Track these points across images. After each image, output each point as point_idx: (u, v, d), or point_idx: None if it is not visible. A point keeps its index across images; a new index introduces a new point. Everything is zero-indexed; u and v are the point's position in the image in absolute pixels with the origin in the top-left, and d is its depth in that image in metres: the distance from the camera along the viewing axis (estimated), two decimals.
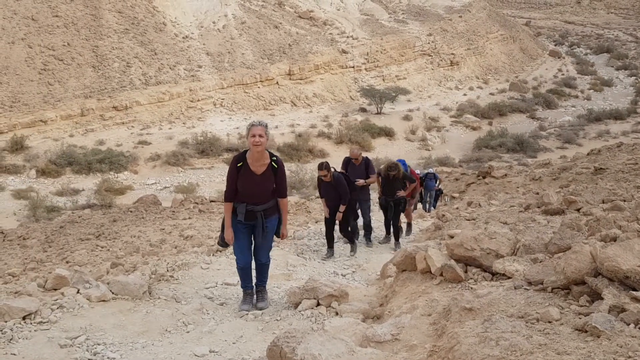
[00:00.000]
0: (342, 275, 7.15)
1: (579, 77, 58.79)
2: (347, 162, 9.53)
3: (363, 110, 41.94)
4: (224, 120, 37.07)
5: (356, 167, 9.38)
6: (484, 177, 18.48)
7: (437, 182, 17.47)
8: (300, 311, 4.90)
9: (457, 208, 11.87)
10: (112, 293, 5.21)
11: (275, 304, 5.39)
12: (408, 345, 3.10)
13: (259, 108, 39.47)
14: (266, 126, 5.05)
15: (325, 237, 8.64)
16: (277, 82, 41.33)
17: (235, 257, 5.39)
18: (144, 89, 36.06)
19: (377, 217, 11.10)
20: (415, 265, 4.57)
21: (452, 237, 5.09)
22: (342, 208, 8.34)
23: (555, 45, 76.64)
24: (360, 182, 9.00)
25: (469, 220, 8.51)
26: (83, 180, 26.99)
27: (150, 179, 28.40)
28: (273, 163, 5.13)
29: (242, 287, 5.42)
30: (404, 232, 10.41)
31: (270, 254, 5.57)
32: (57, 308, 4.63)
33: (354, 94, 44.38)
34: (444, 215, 10.65)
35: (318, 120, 38.58)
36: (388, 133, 37.36)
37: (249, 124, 5.09)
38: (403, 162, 10.20)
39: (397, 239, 9.52)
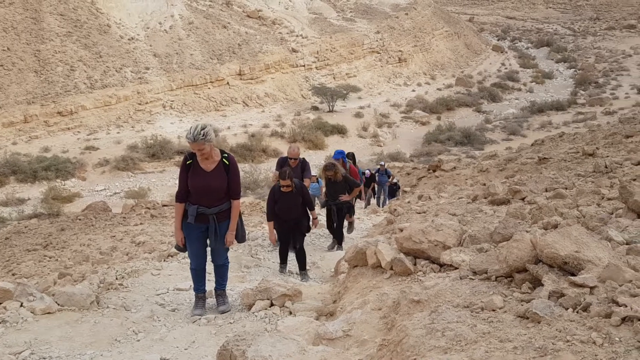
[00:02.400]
0: (296, 274, 7.13)
1: (521, 70, 60.75)
2: (282, 162, 8.59)
3: (315, 108, 42.06)
4: (174, 122, 36.43)
5: (292, 169, 8.21)
6: (434, 171, 18.85)
7: (390, 177, 17.70)
8: (253, 313, 4.85)
9: (408, 202, 12.04)
10: (58, 304, 5.02)
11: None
12: (359, 340, 3.12)
13: (210, 109, 39.00)
14: (203, 135, 4.71)
15: (279, 255, 7.45)
16: (228, 83, 40.93)
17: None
18: (89, 93, 35.04)
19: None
20: (367, 260, 4.61)
21: (402, 230, 5.16)
22: (314, 214, 7.41)
23: (498, 40, 78.91)
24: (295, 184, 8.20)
25: (419, 213, 8.65)
26: (28, 189, 26.02)
27: (99, 185, 27.65)
28: (224, 160, 4.93)
29: (194, 290, 5.25)
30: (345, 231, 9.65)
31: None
32: (0, 323, 4.44)
33: (305, 92, 44.44)
34: (395, 210, 10.80)
35: (271, 119, 38.45)
36: (340, 130, 37.63)
37: (185, 137, 4.91)
38: (341, 153, 9.73)
39: (339, 242, 8.92)
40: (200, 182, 4.87)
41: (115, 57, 38.09)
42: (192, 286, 5.33)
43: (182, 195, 4.99)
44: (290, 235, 7.20)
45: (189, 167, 4.92)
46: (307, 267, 7.29)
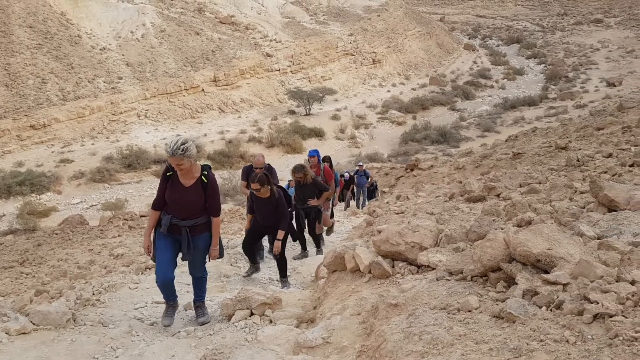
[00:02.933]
0: (277, 280, 7.09)
1: (493, 67, 61.59)
2: (247, 171, 8.17)
3: (292, 112, 42.04)
4: (150, 131, 36.07)
5: None
6: (411, 170, 18.98)
7: (369, 178, 17.75)
8: (233, 323, 4.81)
9: (387, 202, 12.09)
10: (34, 324, 4.92)
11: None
12: (339, 347, 3.11)
13: (185, 117, 38.71)
14: (182, 150, 4.57)
15: (244, 253, 7.31)
16: (203, 90, 40.67)
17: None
18: (62, 105, 34.50)
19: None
20: (345, 264, 4.60)
21: (380, 232, 5.16)
22: (280, 235, 6.74)
23: (469, 38, 79.88)
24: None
25: (398, 213, 8.68)
26: (3, 204, 25.50)
27: (76, 198, 27.20)
28: (203, 177, 4.82)
29: (164, 299, 5.13)
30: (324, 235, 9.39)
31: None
32: None
33: (281, 96, 44.39)
34: (374, 211, 10.83)
35: (247, 125, 38.31)
36: (318, 133, 37.66)
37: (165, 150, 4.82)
38: (316, 151, 9.31)
39: (318, 246, 8.67)
40: (176, 197, 4.80)
41: (88, 67, 37.60)
42: None
43: (159, 205, 4.93)
44: (259, 237, 7.16)
45: (169, 178, 4.85)
46: (288, 274, 7.26)
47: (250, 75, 43.99)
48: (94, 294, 6.14)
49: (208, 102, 40.43)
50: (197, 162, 4.90)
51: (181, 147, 4.57)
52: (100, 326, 5.06)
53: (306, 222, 8.59)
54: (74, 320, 5.10)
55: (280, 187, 7.14)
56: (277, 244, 6.70)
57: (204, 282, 5.28)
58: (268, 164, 8.16)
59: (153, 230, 5.01)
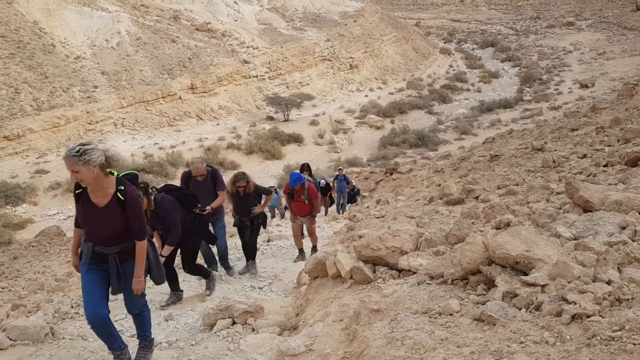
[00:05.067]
0: (259, 288, 7.06)
1: (469, 71, 62.34)
2: (186, 178, 7.40)
3: (270, 118, 41.99)
4: (127, 140, 35.71)
5: (201, 183, 7.23)
6: (391, 174, 19.07)
7: (348, 182, 17.77)
8: (215, 332, 4.76)
9: (367, 207, 12.15)
10: (11, 340, 4.83)
11: (190, 327, 5.22)
12: (322, 354, 3.11)
13: (163, 125, 38.40)
14: (79, 152, 3.63)
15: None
16: (180, 97, 40.41)
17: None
18: (36, 115, 33.94)
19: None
20: (327, 271, 4.60)
21: (360, 237, 5.18)
22: (166, 251, 5.78)
23: (445, 42, 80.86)
24: (208, 209, 6.88)
25: (378, 218, 8.73)
26: None
27: (52, 209, 26.74)
28: (119, 194, 3.83)
29: (108, 349, 4.23)
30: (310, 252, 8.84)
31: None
32: None
33: (259, 103, 44.31)
34: (355, 216, 10.88)
35: (226, 132, 38.14)
36: (297, 139, 37.64)
37: None
38: (299, 177, 8.39)
39: (252, 258, 7.94)
40: (89, 220, 3.89)
41: (62, 77, 37.09)
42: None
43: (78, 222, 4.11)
44: (172, 253, 6.05)
45: (79, 196, 3.91)
46: (270, 281, 7.23)
47: (228, 82, 43.86)
48: (72, 307, 6.05)
49: (186, 110, 40.18)
50: (114, 175, 3.92)
51: (77, 149, 3.65)
52: (80, 339, 4.98)
53: (250, 233, 7.87)
54: (53, 335, 5.01)
55: (176, 188, 6.15)
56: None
57: (146, 319, 4.39)
58: (211, 168, 7.45)
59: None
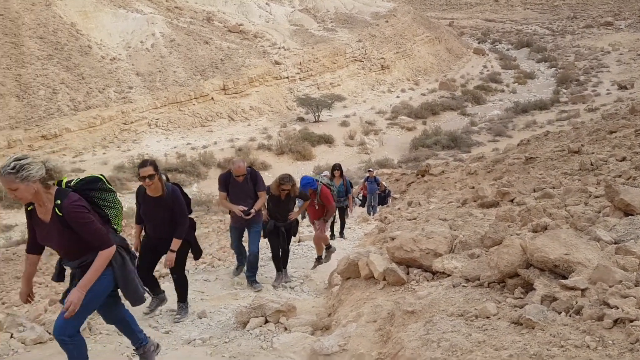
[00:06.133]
0: (290, 288, 7.09)
1: (503, 72, 61.32)
2: (226, 179, 6.93)
3: (301, 119, 42.14)
4: (160, 140, 36.33)
5: (240, 184, 6.82)
6: (422, 176, 18.90)
7: (379, 184, 17.70)
8: (248, 330, 4.81)
9: (398, 209, 12.08)
10: (49, 334, 4.95)
11: (223, 325, 5.28)
12: (356, 354, 3.11)
13: (195, 125, 38.93)
14: (14, 169, 3.21)
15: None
16: (212, 98, 40.90)
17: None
18: (73, 115, 34.83)
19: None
20: (359, 271, 4.59)
21: (393, 239, 5.15)
22: (175, 245, 5.26)
23: (479, 43, 79.72)
24: (252, 212, 6.72)
25: (410, 220, 8.66)
26: (15, 215, 25.68)
27: None
28: (56, 210, 3.39)
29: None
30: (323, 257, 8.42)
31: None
32: None
33: (290, 104, 44.51)
34: (386, 217, 10.82)
35: (257, 132, 38.44)
36: (327, 140, 37.67)
37: None
38: (310, 182, 7.70)
39: (285, 266, 7.54)
40: (41, 236, 3.59)
41: (98, 77, 37.97)
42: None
43: (30, 246, 3.77)
44: (155, 255, 5.65)
45: (30, 214, 3.57)
46: (301, 281, 7.25)
47: (259, 83, 44.19)
48: None
49: (218, 111, 40.65)
50: (57, 187, 3.51)
51: (12, 164, 3.23)
52: (116, 335, 5.07)
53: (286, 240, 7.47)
54: (90, 329, 5.12)
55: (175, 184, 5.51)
56: (171, 256, 5.23)
57: (130, 325, 4.08)
58: (250, 168, 7.00)
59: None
